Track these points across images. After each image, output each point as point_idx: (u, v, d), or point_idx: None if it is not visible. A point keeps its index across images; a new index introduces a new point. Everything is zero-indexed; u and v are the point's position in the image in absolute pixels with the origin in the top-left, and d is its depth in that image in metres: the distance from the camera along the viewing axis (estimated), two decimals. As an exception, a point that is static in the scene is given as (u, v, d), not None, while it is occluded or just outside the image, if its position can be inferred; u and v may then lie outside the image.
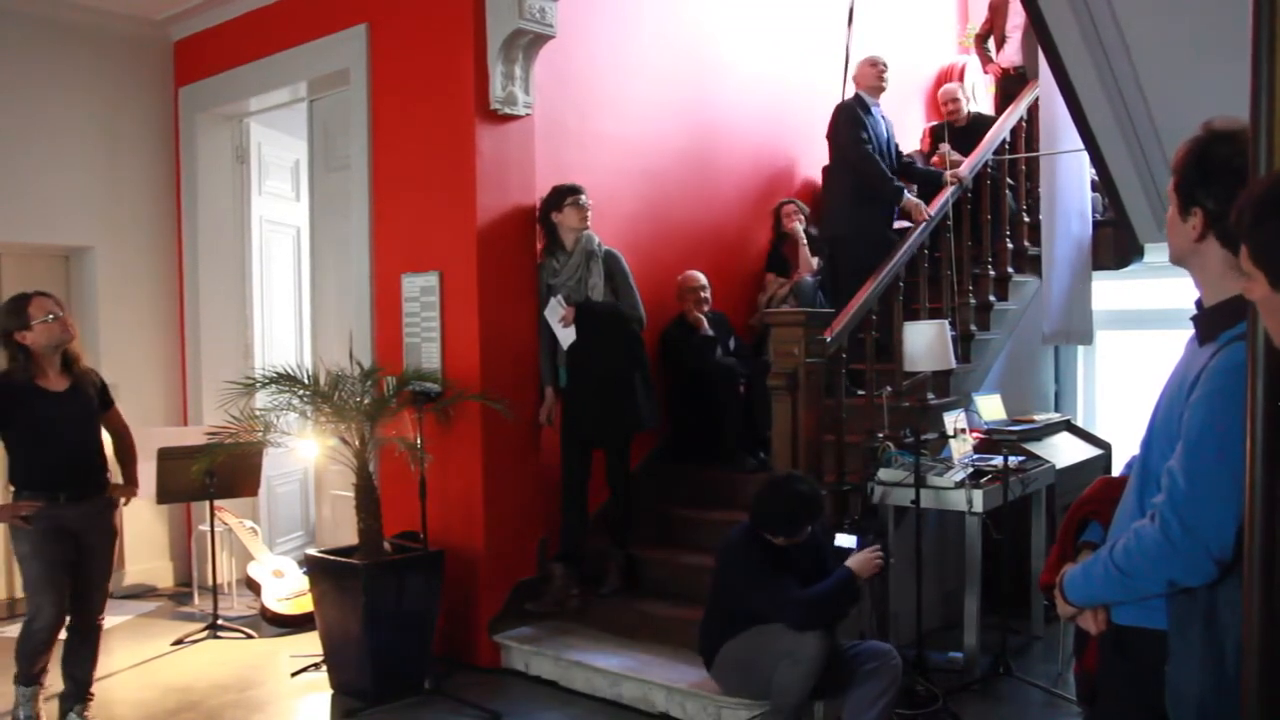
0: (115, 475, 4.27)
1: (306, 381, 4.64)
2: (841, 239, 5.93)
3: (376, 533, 4.58)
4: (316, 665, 4.75)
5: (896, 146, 6.11)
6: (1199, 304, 1.91)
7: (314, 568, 4.67)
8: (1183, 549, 1.76)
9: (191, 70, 6.42)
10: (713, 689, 4.07)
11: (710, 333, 5.58)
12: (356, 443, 4.57)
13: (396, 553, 4.65)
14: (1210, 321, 1.86)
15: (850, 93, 5.96)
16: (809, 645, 3.61)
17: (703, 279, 5.63)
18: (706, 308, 5.61)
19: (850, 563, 3.84)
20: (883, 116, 6.03)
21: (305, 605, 5.22)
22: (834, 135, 5.98)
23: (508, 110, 4.89)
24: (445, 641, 4.80)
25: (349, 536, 4.74)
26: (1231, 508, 1.70)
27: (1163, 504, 1.79)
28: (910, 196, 5.78)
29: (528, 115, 5.00)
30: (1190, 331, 1.94)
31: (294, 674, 4.79)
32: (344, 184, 5.64)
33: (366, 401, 4.62)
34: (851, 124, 5.85)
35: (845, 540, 4.05)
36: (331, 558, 4.60)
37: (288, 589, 5.60)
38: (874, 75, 5.96)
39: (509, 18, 4.75)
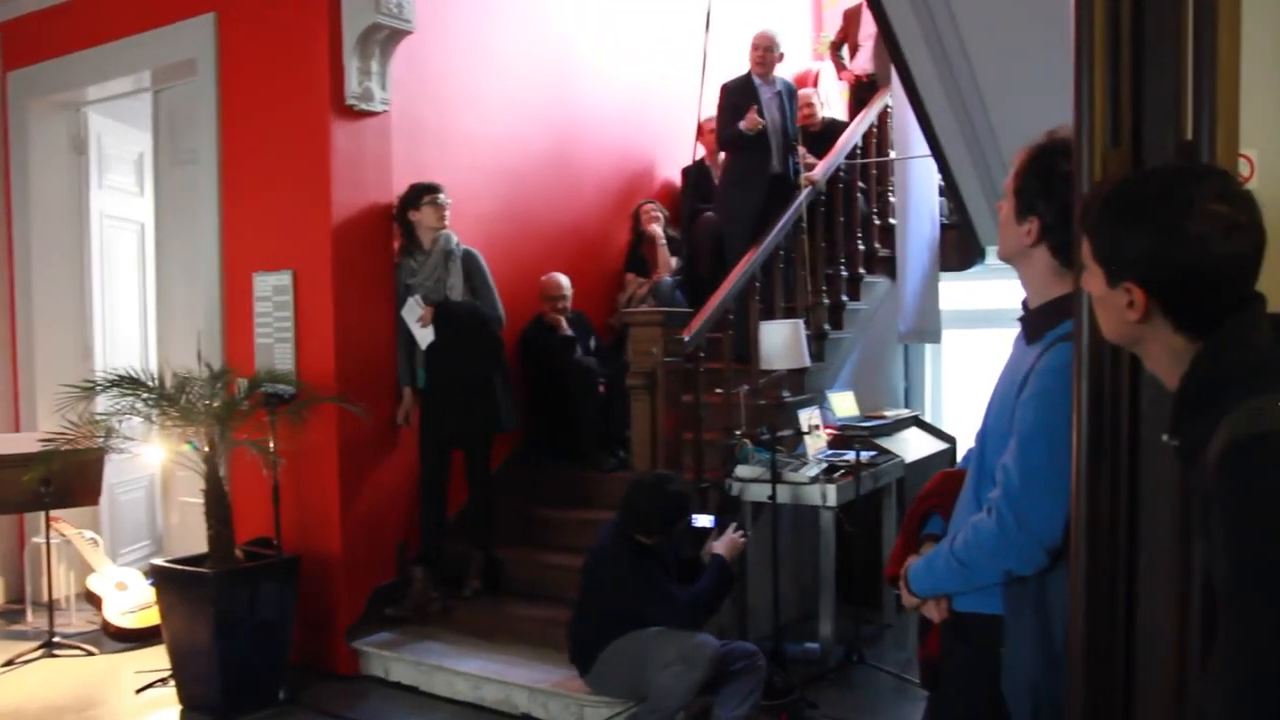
0: None
1: (151, 384, 4.46)
2: (721, 222, 6.17)
3: (227, 540, 4.43)
4: (164, 680, 4.56)
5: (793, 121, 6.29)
6: (1025, 305, 2.02)
7: (160, 578, 4.49)
8: (1016, 540, 1.86)
9: (21, 54, 6.05)
10: (576, 688, 4.08)
11: (570, 333, 5.59)
12: (206, 447, 4.41)
13: (249, 560, 4.51)
14: (1036, 322, 1.97)
15: (711, 97, 6.09)
16: (706, 650, 3.68)
17: (565, 285, 5.64)
18: (566, 314, 5.63)
19: (719, 549, 3.93)
20: (778, 93, 6.16)
21: (151, 618, 5.01)
22: None
23: (364, 106, 4.80)
24: (301, 650, 4.67)
25: (199, 545, 4.56)
26: (1060, 500, 1.81)
27: (998, 498, 1.89)
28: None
29: (385, 112, 4.92)
30: (1018, 330, 2.05)
31: (139, 690, 4.59)
32: (192, 178, 5.42)
33: (216, 404, 4.46)
34: (722, 106, 6.11)
35: (703, 520, 4.15)
36: (179, 567, 4.43)
37: (132, 602, 5.35)
38: (754, 58, 6.14)
39: (365, 11, 4.66)
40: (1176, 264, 1.33)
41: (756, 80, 6.10)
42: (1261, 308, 1.36)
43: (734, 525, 4.07)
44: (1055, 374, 1.85)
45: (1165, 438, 1.46)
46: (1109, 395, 1.72)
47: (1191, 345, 1.37)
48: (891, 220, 6.60)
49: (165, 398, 4.43)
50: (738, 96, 6.06)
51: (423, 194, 4.86)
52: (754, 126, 5.87)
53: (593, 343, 5.77)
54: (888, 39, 4.13)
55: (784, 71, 6.38)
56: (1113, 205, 1.41)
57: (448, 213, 4.90)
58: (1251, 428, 1.23)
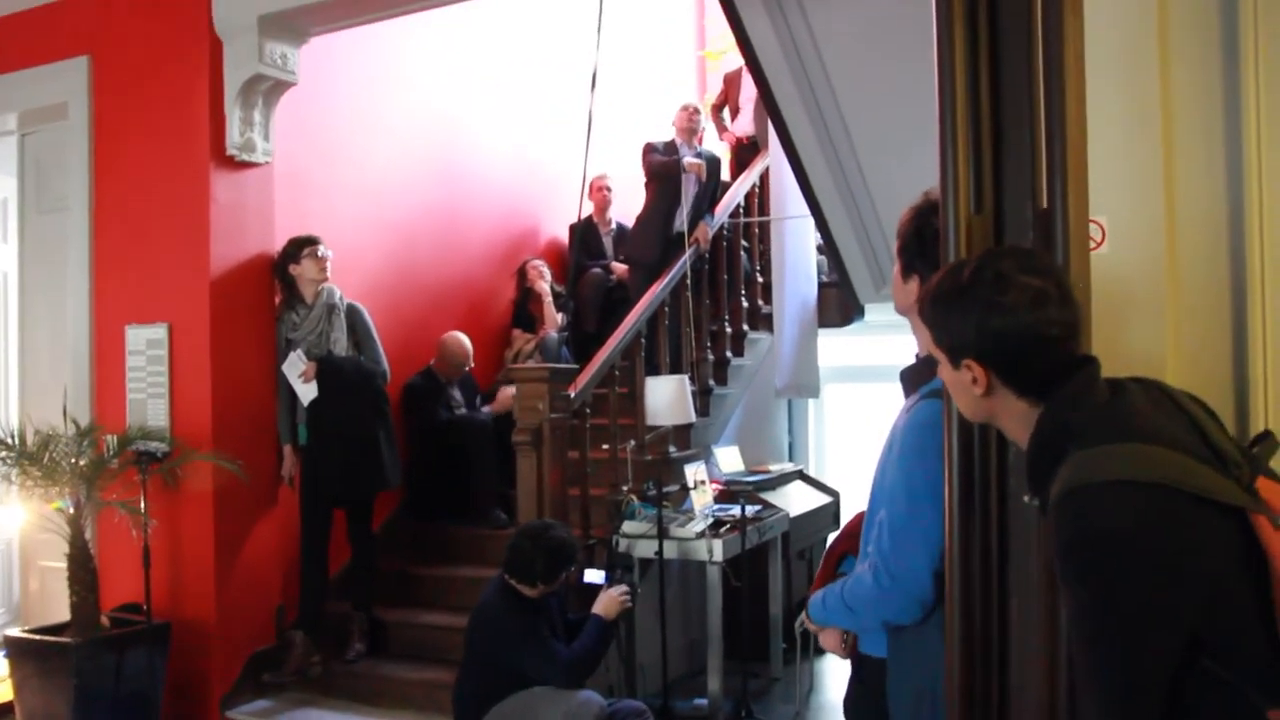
0: None
1: (11, 442, 4.26)
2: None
3: (92, 606, 4.23)
4: (17, 759, 4.30)
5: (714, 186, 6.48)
6: (917, 358, 2.11)
7: (14, 650, 4.23)
8: (891, 596, 1.93)
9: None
10: (460, 752, 3.99)
11: (458, 397, 5.57)
12: (70, 508, 4.21)
13: (115, 627, 4.30)
14: (909, 378, 2.06)
15: (595, 153, 6.18)
16: (591, 708, 3.64)
17: (470, 348, 5.68)
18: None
19: (597, 609, 3.90)
20: (698, 153, 6.38)
21: (3, 694, 4.71)
22: None
23: (246, 157, 4.71)
24: (172, 722, 4.47)
25: (62, 613, 4.34)
26: (923, 556, 1.89)
27: (875, 554, 1.97)
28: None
29: (267, 163, 4.84)
30: None
31: (-11, 770, 4.32)
32: (61, 226, 5.21)
33: (83, 463, 4.28)
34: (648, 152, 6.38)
35: (594, 576, 4.12)
36: (36, 637, 4.20)
37: (-18, 675, 5.04)
38: (681, 117, 6.50)
39: (248, 62, 4.60)
40: (998, 333, 1.46)
41: (679, 142, 6.35)
42: (1094, 370, 1.48)
43: (622, 586, 4.04)
44: (915, 431, 1.93)
45: (1026, 499, 1.56)
46: (978, 450, 1.80)
47: (1035, 409, 1.48)
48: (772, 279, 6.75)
49: (26, 456, 4.25)
50: (654, 154, 6.34)
51: (302, 246, 4.78)
52: (695, 170, 6.17)
53: (479, 400, 5.74)
54: (767, 102, 4.27)
55: (668, 131, 6.52)
56: (939, 295, 1.54)
57: (329, 265, 4.82)
58: (1078, 477, 1.36)
